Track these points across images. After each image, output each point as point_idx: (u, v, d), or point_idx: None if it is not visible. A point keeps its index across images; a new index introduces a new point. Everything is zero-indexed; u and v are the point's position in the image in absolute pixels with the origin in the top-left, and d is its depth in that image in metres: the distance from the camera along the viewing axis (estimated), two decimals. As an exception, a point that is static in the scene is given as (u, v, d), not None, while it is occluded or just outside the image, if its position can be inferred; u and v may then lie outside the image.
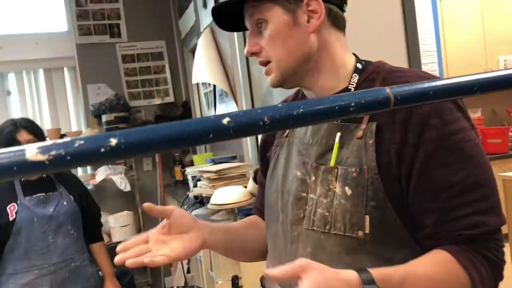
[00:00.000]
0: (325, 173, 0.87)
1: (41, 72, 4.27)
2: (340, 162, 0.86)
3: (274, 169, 1.01)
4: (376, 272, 0.71)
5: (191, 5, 3.73)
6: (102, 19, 4.33)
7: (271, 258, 1.01)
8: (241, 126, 0.40)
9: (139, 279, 4.10)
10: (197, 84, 4.02)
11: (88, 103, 4.24)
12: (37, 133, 2.08)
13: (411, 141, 0.80)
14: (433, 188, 0.79)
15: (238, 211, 2.12)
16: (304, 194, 0.91)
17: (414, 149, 0.80)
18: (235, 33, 2.84)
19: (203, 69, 3.19)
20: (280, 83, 0.92)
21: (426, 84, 0.46)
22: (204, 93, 3.89)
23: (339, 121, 0.88)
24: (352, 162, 0.84)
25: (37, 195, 2.10)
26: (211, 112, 3.68)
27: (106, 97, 4.14)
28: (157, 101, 4.45)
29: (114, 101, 4.07)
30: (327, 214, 0.86)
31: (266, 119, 0.40)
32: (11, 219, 2.02)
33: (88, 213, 2.27)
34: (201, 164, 3.33)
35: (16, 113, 4.12)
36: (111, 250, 2.87)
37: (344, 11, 0.93)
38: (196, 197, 2.61)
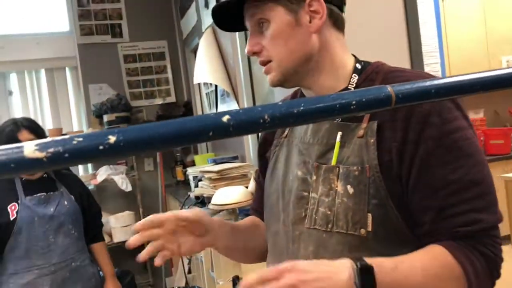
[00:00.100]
0: (327, 172, 0.88)
1: (42, 72, 4.27)
2: (341, 161, 0.87)
3: (273, 169, 1.02)
4: (368, 259, 0.74)
5: (193, 5, 3.73)
6: (103, 19, 4.33)
7: (271, 258, 1.01)
8: (241, 124, 0.39)
9: (140, 279, 4.10)
10: (199, 84, 4.02)
11: (90, 103, 4.24)
12: (38, 133, 2.08)
13: (411, 138, 0.81)
14: (432, 186, 0.80)
15: (239, 211, 2.12)
16: (306, 194, 0.91)
17: (414, 146, 0.81)
18: (237, 33, 2.84)
19: (205, 69, 3.19)
20: (281, 83, 0.93)
21: (428, 82, 0.46)
22: (206, 93, 3.89)
23: (339, 120, 0.89)
24: (354, 161, 0.85)
25: (38, 194, 2.10)
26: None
27: (107, 97, 4.14)
28: (158, 101, 4.46)
29: (116, 101, 4.07)
30: (329, 212, 0.86)
31: (266, 117, 0.40)
32: (11, 219, 2.02)
33: (89, 213, 2.27)
34: (202, 164, 3.32)
35: (18, 113, 4.13)
36: (112, 250, 2.88)
37: (344, 12, 0.94)
38: (197, 197, 2.61)
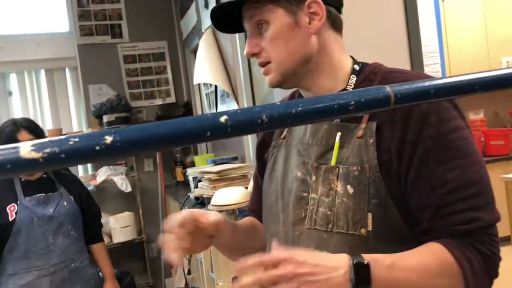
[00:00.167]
0: (326, 172, 0.88)
1: (42, 73, 4.27)
2: (341, 161, 0.87)
3: (272, 170, 1.02)
4: (366, 255, 0.75)
5: (193, 6, 3.73)
6: (103, 19, 4.33)
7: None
8: (239, 124, 0.39)
9: (139, 280, 4.09)
10: (199, 84, 4.02)
11: (89, 104, 4.23)
12: (37, 133, 2.08)
13: (410, 138, 0.82)
14: (430, 185, 0.81)
15: (239, 212, 2.12)
16: (305, 194, 0.91)
17: (413, 146, 0.82)
18: (237, 33, 2.84)
19: (205, 69, 3.19)
20: (280, 83, 0.93)
21: (427, 83, 0.46)
22: (206, 94, 3.89)
23: (338, 121, 0.90)
24: (353, 161, 0.86)
25: (37, 195, 2.10)
26: (212, 113, 3.67)
27: (107, 98, 4.14)
28: (158, 101, 4.45)
29: (115, 101, 4.07)
30: (329, 213, 0.87)
31: (264, 117, 0.40)
32: (11, 219, 2.02)
33: (88, 214, 2.27)
34: (202, 165, 3.32)
35: (17, 114, 4.12)
36: (112, 251, 2.88)
37: (341, 13, 0.94)
38: (197, 198, 2.61)
